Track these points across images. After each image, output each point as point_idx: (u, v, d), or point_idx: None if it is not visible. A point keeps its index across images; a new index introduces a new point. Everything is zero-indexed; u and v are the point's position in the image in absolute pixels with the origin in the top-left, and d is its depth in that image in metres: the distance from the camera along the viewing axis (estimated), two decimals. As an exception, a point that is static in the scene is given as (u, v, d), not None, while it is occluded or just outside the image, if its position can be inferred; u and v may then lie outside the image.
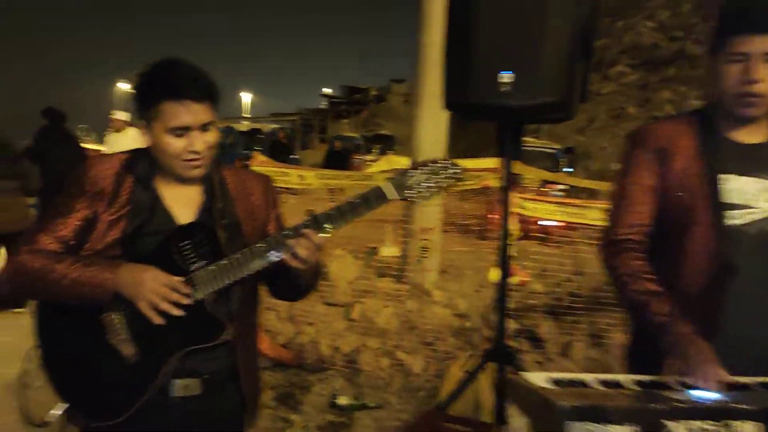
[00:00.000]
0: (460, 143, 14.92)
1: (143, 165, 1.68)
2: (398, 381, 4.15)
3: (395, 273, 5.92)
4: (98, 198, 1.63)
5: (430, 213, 6.08)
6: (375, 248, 6.89)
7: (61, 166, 6.97)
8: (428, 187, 1.60)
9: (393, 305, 5.09)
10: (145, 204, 1.64)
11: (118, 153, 1.75)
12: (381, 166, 9.20)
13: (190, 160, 1.60)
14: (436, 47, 6.67)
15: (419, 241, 6.08)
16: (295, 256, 1.57)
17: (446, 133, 7.17)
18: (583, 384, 1.48)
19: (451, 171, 1.61)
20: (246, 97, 57.90)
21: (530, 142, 12.62)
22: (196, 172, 1.64)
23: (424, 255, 6.13)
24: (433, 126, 7.08)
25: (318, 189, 5.73)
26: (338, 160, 14.99)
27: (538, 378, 1.49)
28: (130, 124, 8.46)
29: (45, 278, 1.56)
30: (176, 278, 1.56)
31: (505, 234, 2.52)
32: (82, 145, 7.72)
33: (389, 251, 6.78)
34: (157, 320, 1.54)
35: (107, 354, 1.58)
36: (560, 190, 8.51)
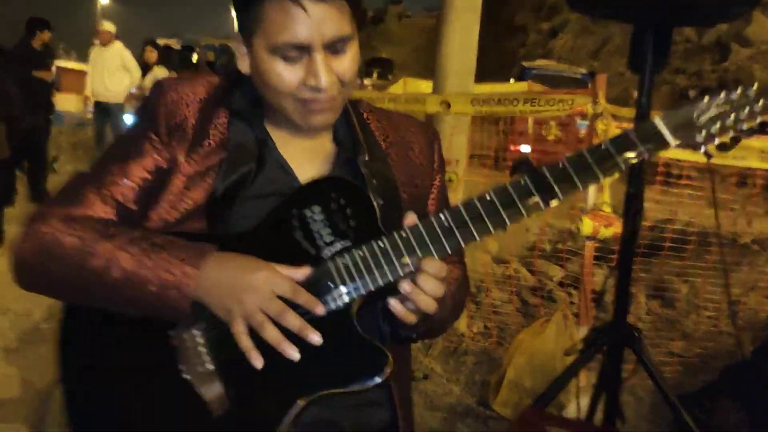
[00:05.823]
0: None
1: (243, 97, 1.07)
2: (440, 343, 3.58)
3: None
4: (177, 137, 1.01)
5: (457, 143, 5.41)
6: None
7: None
8: (725, 128, 0.94)
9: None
10: (248, 149, 1.02)
11: (202, 76, 1.09)
12: (398, 90, 8.33)
13: (311, 100, 0.98)
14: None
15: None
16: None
17: (476, 54, 6.41)
18: None
19: (760, 103, 0.94)
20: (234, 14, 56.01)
21: (551, 66, 11.76)
22: (321, 120, 1.02)
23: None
24: (460, 44, 6.29)
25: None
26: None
27: None
28: (118, 37, 7.56)
29: (81, 265, 0.92)
30: (303, 271, 0.93)
31: (639, 177, 1.85)
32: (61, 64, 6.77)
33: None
34: (259, 363, 0.89)
35: (177, 396, 0.93)
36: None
